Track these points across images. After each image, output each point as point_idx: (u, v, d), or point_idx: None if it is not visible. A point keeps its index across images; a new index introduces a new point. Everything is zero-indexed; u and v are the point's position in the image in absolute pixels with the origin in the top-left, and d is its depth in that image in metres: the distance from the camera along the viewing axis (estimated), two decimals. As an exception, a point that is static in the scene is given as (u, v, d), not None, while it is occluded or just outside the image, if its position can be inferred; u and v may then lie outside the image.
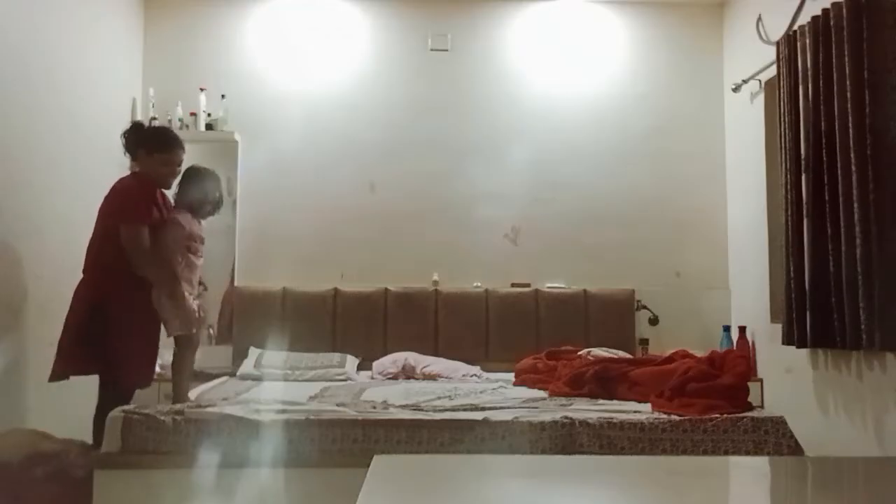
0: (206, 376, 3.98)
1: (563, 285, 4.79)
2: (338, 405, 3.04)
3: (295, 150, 4.84)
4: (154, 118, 4.63)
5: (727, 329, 4.56)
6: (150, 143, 3.38)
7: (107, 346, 3.15)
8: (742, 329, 4.49)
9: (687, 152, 4.93)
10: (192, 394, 3.49)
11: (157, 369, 3.58)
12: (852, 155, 3.35)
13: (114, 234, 3.22)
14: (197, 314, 3.34)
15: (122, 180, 3.41)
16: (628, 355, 4.23)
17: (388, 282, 4.71)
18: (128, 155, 3.44)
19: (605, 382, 3.40)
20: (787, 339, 3.78)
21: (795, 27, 3.86)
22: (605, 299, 4.72)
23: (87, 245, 3.33)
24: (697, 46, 4.99)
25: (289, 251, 4.78)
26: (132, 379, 3.21)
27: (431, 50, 4.94)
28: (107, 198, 3.34)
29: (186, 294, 3.30)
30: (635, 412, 2.93)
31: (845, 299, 3.36)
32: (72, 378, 3.23)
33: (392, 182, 4.85)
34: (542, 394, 3.50)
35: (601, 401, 3.26)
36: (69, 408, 3.51)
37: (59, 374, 3.19)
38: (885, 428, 3.29)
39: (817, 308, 3.57)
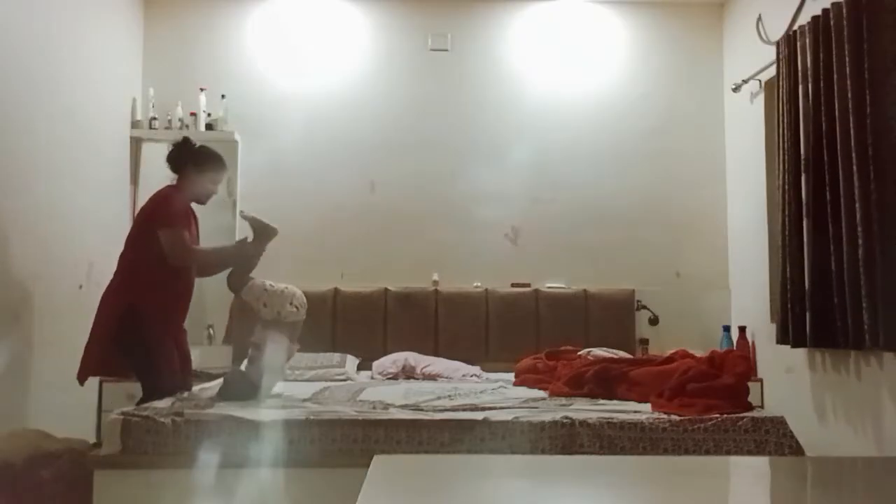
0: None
1: (563, 285, 4.79)
2: (337, 405, 3.04)
3: (295, 150, 4.84)
4: (154, 118, 4.63)
5: (727, 329, 4.56)
6: (202, 160, 3.46)
7: (137, 351, 3.22)
8: (742, 329, 4.49)
9: (687, 152, 4.93)
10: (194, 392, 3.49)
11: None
12: (853, 155, 3.34)
13: (149, 240, 3.26)
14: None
15: (162, 190, 3.45)
16: (628, 355, 4.23)
17: (388, 282, 4.71)
18: (172, 166, 3.48)
19: (605, 382, 3.39)
20: (781, 339, 3.78)
21: (795, 27, 3.86)
22: (605, 299, 4.72)
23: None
24: (697, 46, 4.99)
25: (289, 251, 4.76)
26: (166, 384, 3.23)
27: (431, 50, 4.94)
28: (146, 205, 3.41)
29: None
30: (635, 412, 2.92)
31: (847, 299, 3.36)
32: (75, 379, 3.24)
33: (392, 182, 4.85)
34: (542, 394, 3.49)
35: (601, 401, 3.25)
36: (69, 408, 3.52)
37: (85, 375, 3.25)
38: (884, 428, 3.29)
39: (817, 308, 3.57)
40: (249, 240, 3.43)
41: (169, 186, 3.47)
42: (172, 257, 3.26)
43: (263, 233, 3.42)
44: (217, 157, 3.53)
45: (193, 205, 3.52)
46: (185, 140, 3.53)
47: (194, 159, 3.45)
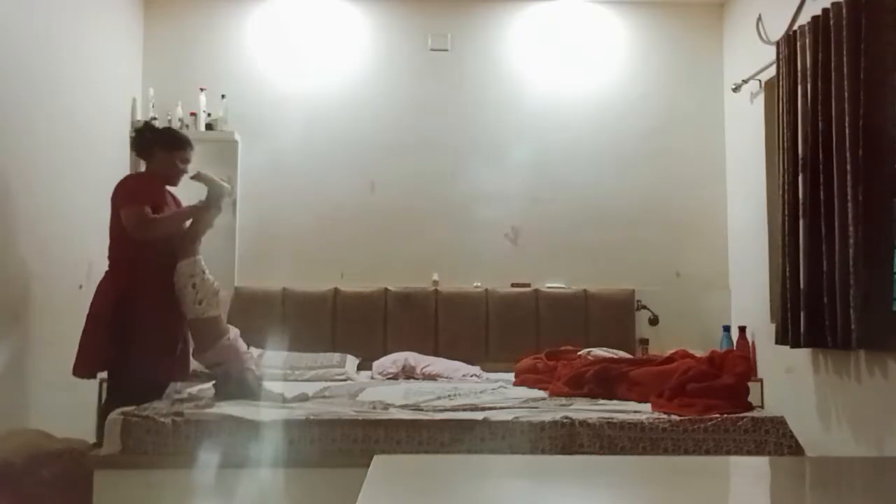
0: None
1: (563, 285, 4.79)
2: (337, 406, 3.04)
3: (295, 150, 4.84)
4: (154, 118, 4.63)
5: (727, 329, 4.56)
6: (167, 141, 3.45)
7: (130, 341, 3.16)
8: (742, 329, 4.49)
9: (687, 152, 4.93)
10: (193, 392, 3.49)
11: None
12: (849, 155, 3.34)
13: (120, 227, 3.24)
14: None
15: (128, 175, 3.52)
16: (628, 355, 4.23)
17: (388, 282, 4.71)
18: (137, 153, 3.50)
19: (605, 382, 3.40)
20: (781, 339, 3.78)
21: (795, 27, 3.86)
22: (605, 299, 4.72)
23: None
24: (697, 46, 4.99)
25: (289, 251, 4.78)
26: (159, 374, 3.21)
27: (431, 50, 4.94)
28: (113, 193, 3.37)
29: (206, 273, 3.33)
30: (635, 412, 2.93)
31: (838, 299, 3.36)
32: (76, 377, 3.23)
33: (392, 182, 4.85)
34: (542, 394, 3.50)
35: (601, 401, 3.26)
36: (69, 408, 3.52)
37: (83, 371, 3.21)
38: (884, 428, 3.29)
39: (811, 308, 3.57)
40: (202, 200, 3.42)
41: (135, 173, 3.52)
42: (134, 232, 3.20)
43: (217, 192, 3.41)
44: (181, 136, 3.52)
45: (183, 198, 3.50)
46: (146, 124, 3.58)
47: (159, 141, 3.44)
